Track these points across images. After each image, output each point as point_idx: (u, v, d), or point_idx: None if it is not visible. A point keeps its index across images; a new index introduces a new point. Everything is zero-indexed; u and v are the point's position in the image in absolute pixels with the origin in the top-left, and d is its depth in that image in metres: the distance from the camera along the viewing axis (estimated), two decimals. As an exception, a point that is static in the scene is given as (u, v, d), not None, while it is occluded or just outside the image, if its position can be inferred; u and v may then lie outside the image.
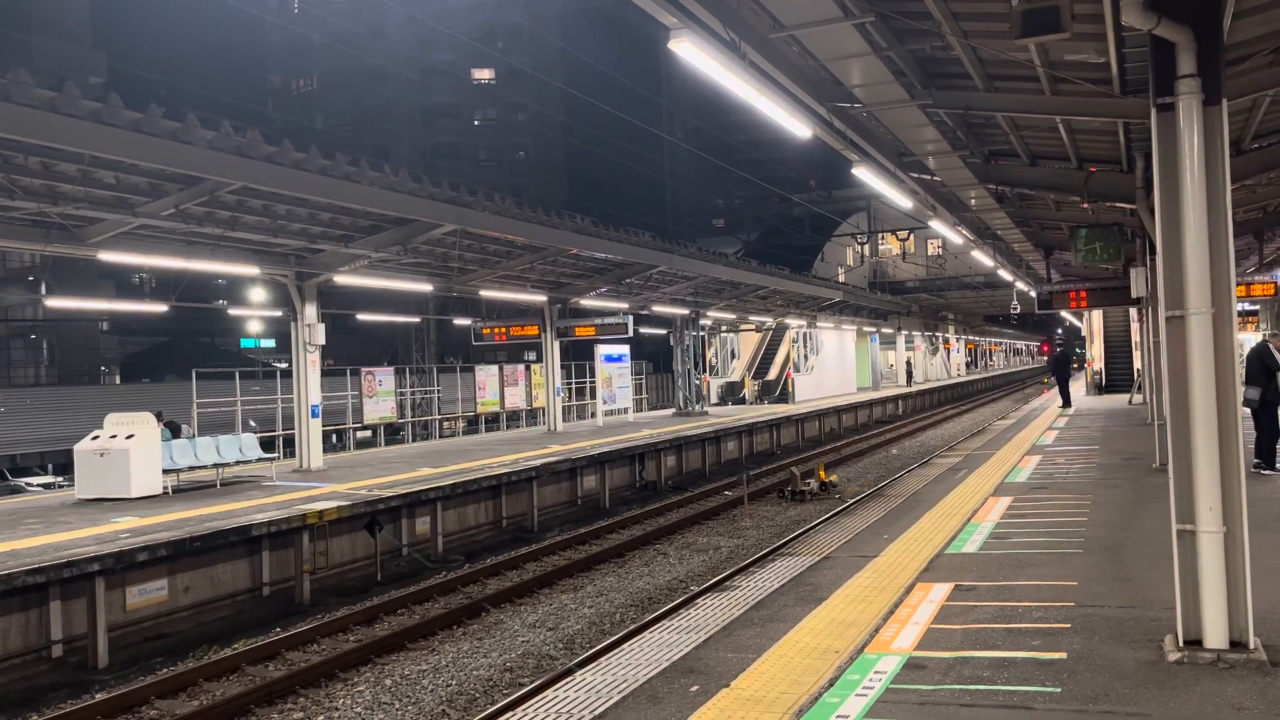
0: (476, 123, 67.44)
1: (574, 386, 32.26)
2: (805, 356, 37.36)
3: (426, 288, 19.04)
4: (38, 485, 23.04)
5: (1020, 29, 5.81)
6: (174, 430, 15.67)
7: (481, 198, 14.71)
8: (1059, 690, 4.73)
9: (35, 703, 8.56)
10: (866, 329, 44.81)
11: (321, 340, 16.42)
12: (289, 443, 19.87)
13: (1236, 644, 4.93)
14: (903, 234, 39.42)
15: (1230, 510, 4.92)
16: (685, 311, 28.84)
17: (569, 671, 7.38)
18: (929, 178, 13.74)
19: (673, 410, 31.04)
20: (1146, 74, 5.16)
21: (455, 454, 18.98)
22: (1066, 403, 26.56)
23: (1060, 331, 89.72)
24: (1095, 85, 8.54)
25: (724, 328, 36.92)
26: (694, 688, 5.12)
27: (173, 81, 45.35)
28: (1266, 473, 11.26)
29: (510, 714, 5.21)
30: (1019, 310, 34.83)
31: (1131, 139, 10.61)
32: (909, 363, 50.51)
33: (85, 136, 9.11)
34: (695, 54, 6.58)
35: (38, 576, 8.85)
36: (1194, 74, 4.94)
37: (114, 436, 13.42)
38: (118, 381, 46.42)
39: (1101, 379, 33.14)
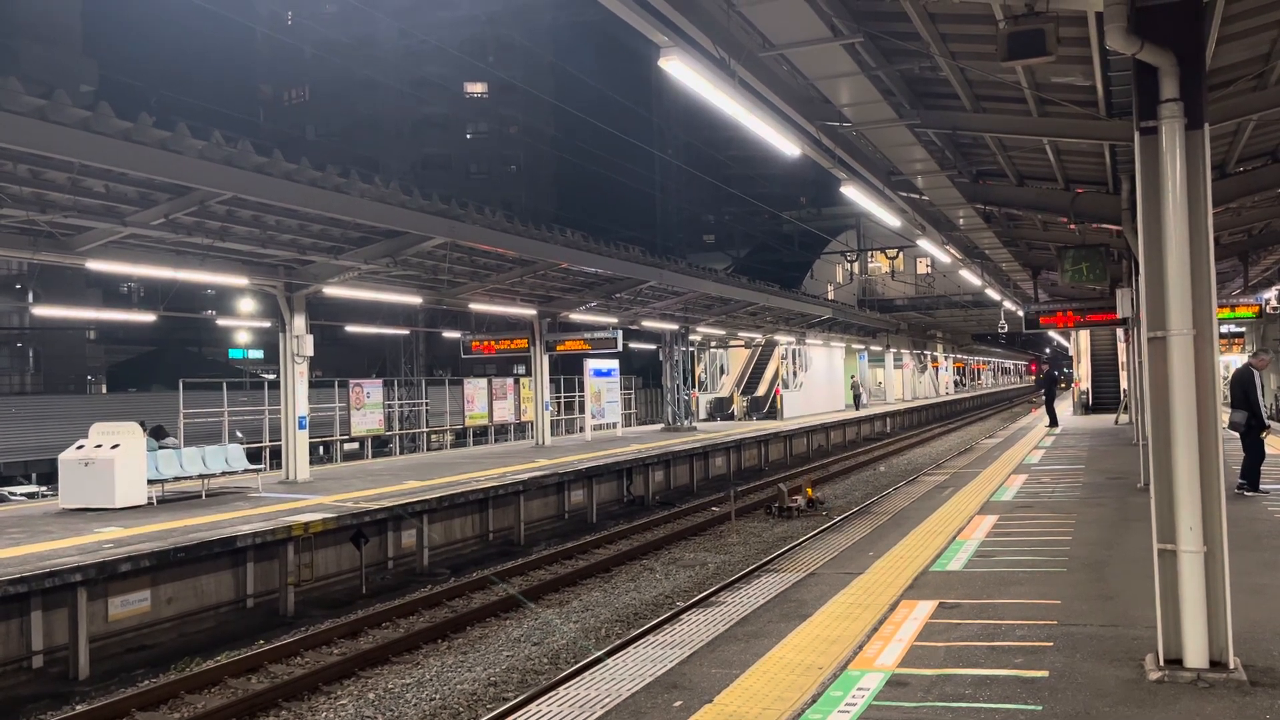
0: (468, 135, 67.57)
1: (563, 400, 32.24)
2: (794, 373, 37.42)
3: (416, 300, 19.03)
4: (21, 494, 22.85)
5: (1006, 51, 5.88)
6: (158, 435, 15.57)
7: (472, 210, 14.73)
8: (1040, 708, 4.75)
9: (15, 713, 8.48)
10: (855, 346, 44.88)
11: (310, 351, 16.38)
12: (275, 454, 19.81)
13: (1216, 663, 4.96)
14: (892, 252, 39.64)
15: (1211, 530, 4.96)
16: (675, 327, 28.89)
17: (553, 686, 7.36)
18: (917, 197, 13.82)
19: (661, 425, 31.02)
20: (1131, 97, 5.22)
21: (442, 467, 18.93)
22: (1053, 422, 26.68)
23: (1048, 351, 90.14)
24: (1081, 107, 8.64)
25: (713, 343, 36.96)
26: (677, 703, 5.12)
27: (164, 91, 45.33)
28: (1249, 494, 11.32)
29: (493, 728, 5.19)
30: (1007, 329, 35.02)
31: (1117, 161, 10.72)
32: (855, 384, 43.20)
33: (75, 145, 9.10)
34: (685, 72, 6.64)
35: (19, 586, 8.79)
36: (1177, 98, 5.01)
37: (99, 446, 13.34)
38: (104, 391, 46.15)
39: (1088, 399, 33.31)
